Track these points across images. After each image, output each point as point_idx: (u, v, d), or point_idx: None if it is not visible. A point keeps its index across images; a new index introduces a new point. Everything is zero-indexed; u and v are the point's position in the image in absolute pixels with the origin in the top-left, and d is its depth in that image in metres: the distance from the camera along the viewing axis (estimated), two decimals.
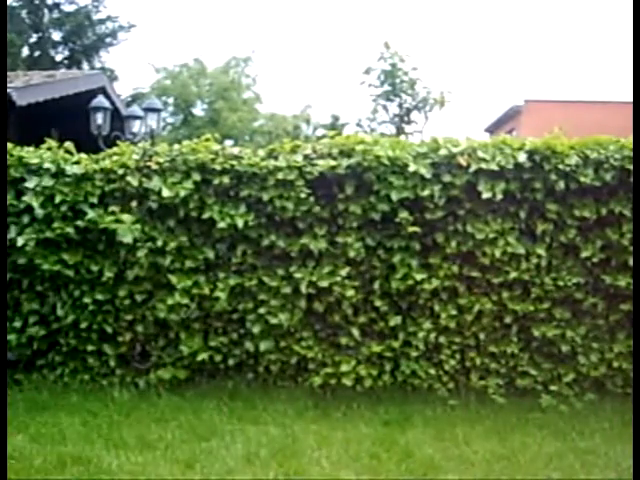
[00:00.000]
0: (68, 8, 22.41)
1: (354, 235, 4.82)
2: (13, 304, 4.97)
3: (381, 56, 14.03)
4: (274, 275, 4.87)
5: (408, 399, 4.79)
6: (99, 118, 10.49)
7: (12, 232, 4.90)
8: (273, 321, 4.83)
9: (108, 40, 22.84)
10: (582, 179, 4.72)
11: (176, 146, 5.08)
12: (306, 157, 4.85)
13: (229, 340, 4.95)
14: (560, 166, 4.71)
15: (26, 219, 4.92)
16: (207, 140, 5.05)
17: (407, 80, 14.26)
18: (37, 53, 21.84)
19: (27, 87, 9.16)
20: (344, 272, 4.79)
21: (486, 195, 4.71)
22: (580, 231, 4.82)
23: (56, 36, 22.37)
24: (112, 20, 22.76)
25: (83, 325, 4.94)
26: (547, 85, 55.34)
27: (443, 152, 4.76)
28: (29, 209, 4.92)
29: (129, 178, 4.90)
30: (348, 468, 3.49)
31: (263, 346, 4.87)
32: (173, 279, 4.85)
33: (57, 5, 22.42)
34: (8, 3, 19.33)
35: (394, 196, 4.72)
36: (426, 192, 4.72)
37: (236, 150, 5.00)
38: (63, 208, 4.91)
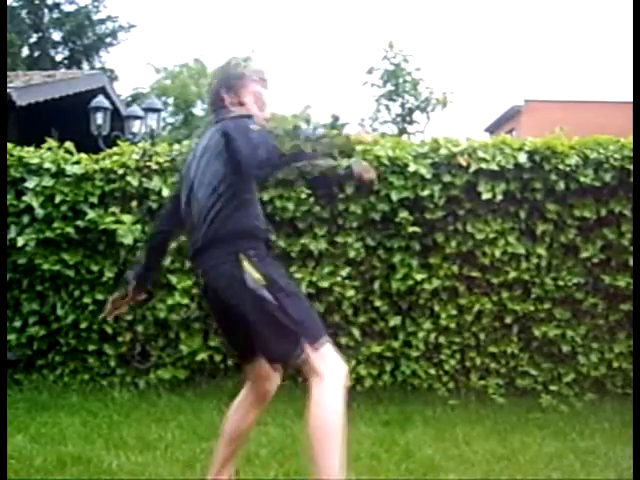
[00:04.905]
0: (68, 8, 22.42)
1: (354, 235, 4.82)
2: (13, 304, 4.98)
3: (385, 56, 14.00)
4: None
5: (408, 399, 4.79)
6: (99, 118, 10.49)
7: (12, 232, 4.90)
8: None
9: (108, 40, 22.84)
10: (582, 179, 4.72)
11: (176, 146, 5.08)
12: None
13: None
14: (560, 166, 4.71)
15: (26, 219, 4.92)
16: None
17: (410, 80, 14.23)
18: (37, 53, 21.84)
19: (27, 87, 9.16)
20: (344, 272, 4.79)
21: (486, 195, 4.71)
22: (580, 231, 4.82)
23: (56, 36, 22.38)
24: (112, 20, 22.76)
25: (83, 325, 4.95)
26: (547, 85, 55.37)
27: (443, 152, 4.76)
28: (29, 209, 4.92)
29: (129, 178, 4.90)
30: (348, 468, 3.48)
31: None
32: (173, 279, 4.85)
33: (57, 5, 22.42)
34: (8, 3, 19.33)
35: (394, 196, 4.73)
36: (426, 192, 4.72)
37: None
38: (63, 208, 4.92)
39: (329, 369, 2.51)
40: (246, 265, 2.52)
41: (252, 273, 2.52)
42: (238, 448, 2.94)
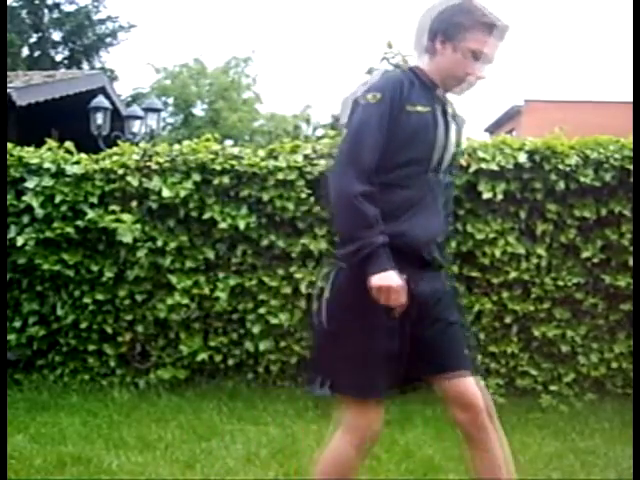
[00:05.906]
0: (68, 8, 22.40)
1: None
2: (13, 304, 4.97)
3: (384, 56, 14.02)
4: (274, 275, 4.86)
5: (408, 399, 4.77)
6: (99, 118, 10.51)
7: (12, 232, 4.90)
8: (273, 321, 4.82)
9: (108, 40, 22.83)
10: (582, 179, 4.72)
11: (176, 146, 5.07)
12: (306, 157, 4.85)
13: (229, 340, 4.95)
14: (560, 166, 4.71)
15: (26, 219, 4.92)
16: (207, 140, 5.05)
17: None
18: (37, 53, 21.83)
19: (27, 87, 9.17)
20: None
21: (486, 195, 4.71)
22: (580, 231, 4.82)
23: (56, 36, 22.36)
24: (112, 20, 22.74)
25: (83, 325, 4.95)
26: (547, 85, 55.37)
27: None
28: (29, 209, 4.92)
29: (129, 178, 4.89)
30: None
31: (263, 346, 4.86)
32: (173, 279, 4.85)
33: (57, 5, 22.40)
34: (8, 3, 19.33)
35: None
36: None
37: (236, 150, 5.00)
38: (63, 208, 4.91)
39: (350, 428, 2.35)
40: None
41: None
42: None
